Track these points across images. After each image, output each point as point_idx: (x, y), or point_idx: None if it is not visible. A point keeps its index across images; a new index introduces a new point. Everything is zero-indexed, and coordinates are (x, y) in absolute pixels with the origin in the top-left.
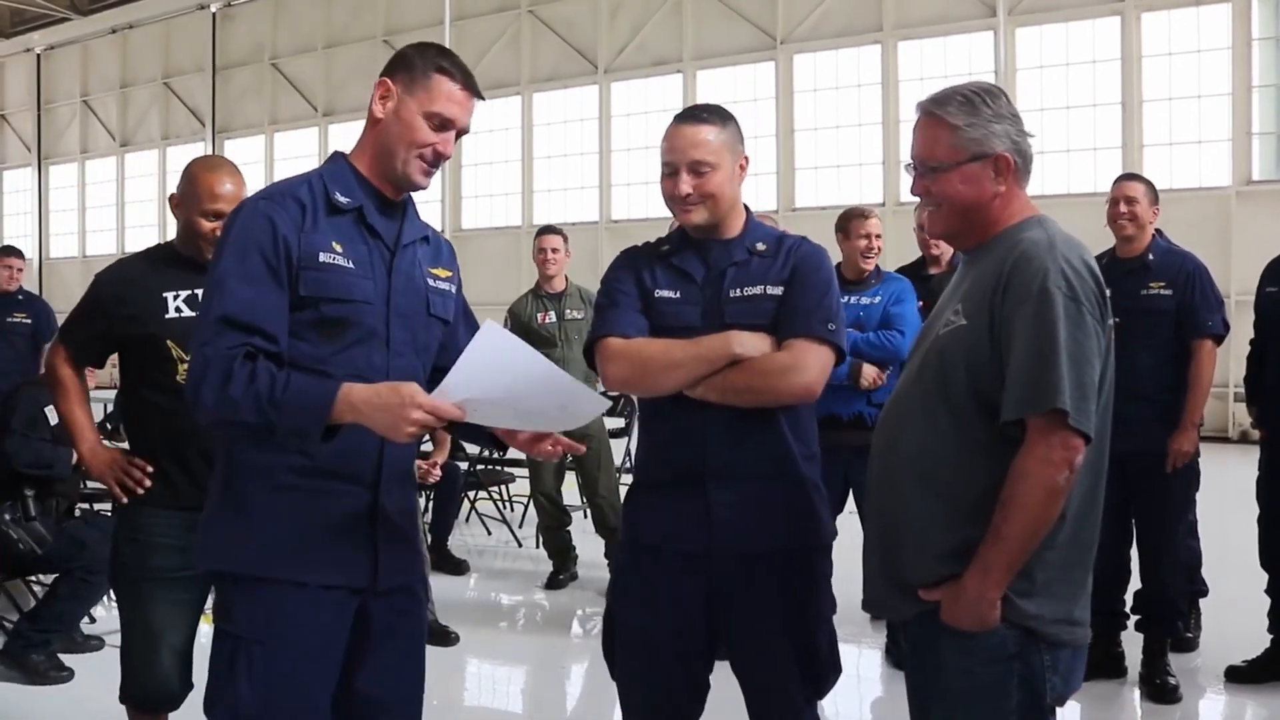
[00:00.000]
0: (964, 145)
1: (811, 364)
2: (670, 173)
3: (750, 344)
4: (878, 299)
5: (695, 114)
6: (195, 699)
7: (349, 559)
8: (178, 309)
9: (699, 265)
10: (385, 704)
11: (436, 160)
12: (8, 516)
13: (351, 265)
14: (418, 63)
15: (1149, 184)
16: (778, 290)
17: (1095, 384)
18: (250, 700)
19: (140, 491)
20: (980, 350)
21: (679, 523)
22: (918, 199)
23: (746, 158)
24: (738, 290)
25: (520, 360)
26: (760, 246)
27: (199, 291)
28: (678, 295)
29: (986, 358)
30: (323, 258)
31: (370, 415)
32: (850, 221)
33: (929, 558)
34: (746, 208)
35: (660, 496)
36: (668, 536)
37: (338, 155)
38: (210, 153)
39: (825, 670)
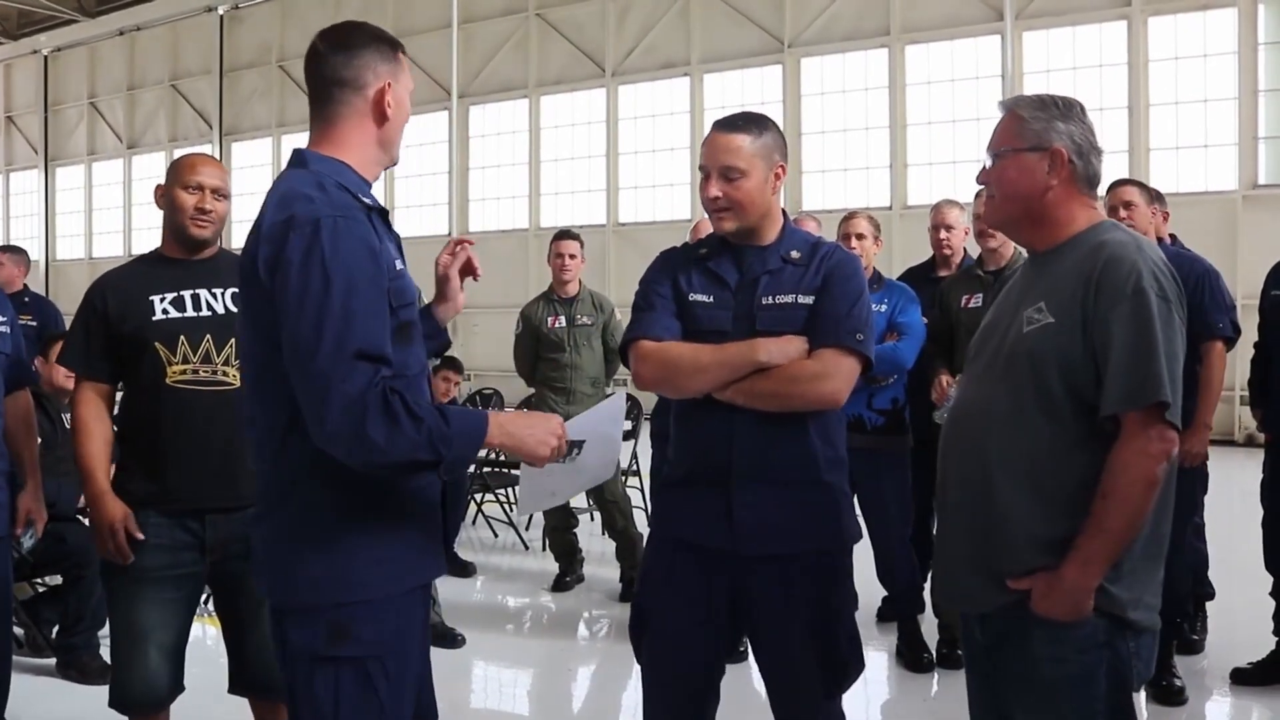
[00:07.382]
0: (1025, 135)
1: (838, 373)
2: (704, 177)
3: (776, 351)
4: (883, 306)
5: (732, 122)
6: (190, 700)
7: (437, 552)
8: (164, 311)
9: (733, 271)
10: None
11: None
12: None
13: (402, 266)
14: (388, 49)
15: (1143, 186)
16: (809, 299)
17: (1182, 378)
18: (393, 713)
19: (125, 559)
20: (1073, 348)
21: (703, 520)
22: (932, 202)
23: (784, 166)
24: (770, 298)
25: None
26: (795, 254)
27: (185, 294)
28: (711, 300)
29: (1079, 355)
30: (397, 265)
31: (522, 437)
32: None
33: (1024, 551)
34: (785, 214)
35: (687, 494)
36: (693, 533)
37: (328, 159)
38: (217, 155)
39: (846, 665)
